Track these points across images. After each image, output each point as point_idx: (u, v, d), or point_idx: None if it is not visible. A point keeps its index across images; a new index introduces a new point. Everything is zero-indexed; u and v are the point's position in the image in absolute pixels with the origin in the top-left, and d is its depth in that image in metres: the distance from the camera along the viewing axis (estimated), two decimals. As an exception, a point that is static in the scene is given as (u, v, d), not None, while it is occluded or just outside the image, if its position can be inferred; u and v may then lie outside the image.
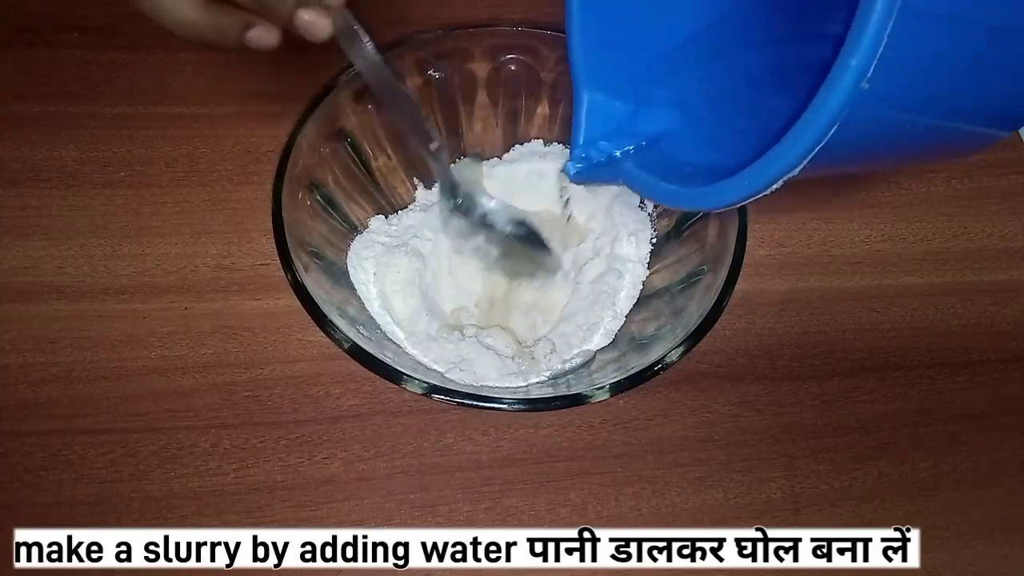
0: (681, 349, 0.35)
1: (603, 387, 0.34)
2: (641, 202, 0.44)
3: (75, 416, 0.40)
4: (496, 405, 0.34)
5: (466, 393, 0.34)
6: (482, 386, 0.38)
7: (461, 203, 0.42)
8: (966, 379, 0.45)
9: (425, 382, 0.34)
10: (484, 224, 0.42)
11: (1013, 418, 0.44)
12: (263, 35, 0.32)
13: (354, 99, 0.41)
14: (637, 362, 0.36)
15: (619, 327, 0.41)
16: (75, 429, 0.40)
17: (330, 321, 0.35)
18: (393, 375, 0.34)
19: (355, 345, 0.34)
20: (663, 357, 0.35)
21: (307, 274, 0.36)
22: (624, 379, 0.34)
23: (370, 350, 0.34)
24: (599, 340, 0.41)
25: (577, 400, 0.34)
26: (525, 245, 0.43)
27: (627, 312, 0.42)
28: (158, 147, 0.48)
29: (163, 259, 0.45)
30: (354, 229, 0.43)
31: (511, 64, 0.44)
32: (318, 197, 0.40)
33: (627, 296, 0.42)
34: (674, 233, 0.43)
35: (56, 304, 0.43)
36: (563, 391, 0.36)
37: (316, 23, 0.31)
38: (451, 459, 0.41)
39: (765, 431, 0.42)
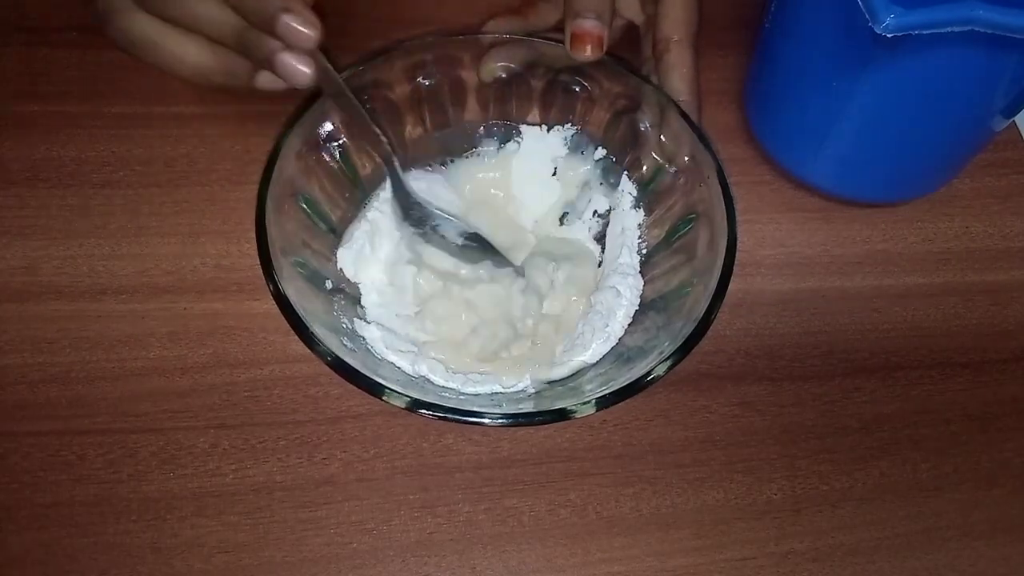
0: (668, 363, 0.34)
1: (589, 402, 0.34)
2: (637, 205, 0.44)
3: (74, 416, 0.40)
4: (478, 420, 0.33)
5: (448, 407, 0.34)
6: (463, 397, 0.38)
7: (413, 213, 0.42)
8: (967, 379, 0.44)
9: (407, 396, 0.33)
10: (435, 233, 0.42)
11: (1014, 419, 0.44)
12: (274, 81, 0.33)
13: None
14: (624, 375, 0.36)
15: (611, 347, 0.40)
16: (73, 429, 0.40)
17: (312, 334, 0.34)
18: (375, 388, 0.33)
19: (337, 358, 0.34)
20: (650, 371, 0.34)
21: (291, 284, 0.35)
22: (610, 394, 0.34)
23: (352, 363, 0.34)
24: (588, 357, 0.40)
25: (561, 415, 0.34)
26: (481, 252, 0.43)
27: (621, 334, 0.41)
28: (157, 147, 0.48)
29: (162, 259, 0.45)
30: (341, 238, 0.42)
31: (501, 71, 0.44)
32: (304, 205, 0.40)
33: (624, 315, 0.41)
34: (664, 244, 0.42)
35: (55, 304, 0.43)
36: (547, 405, 0.36)
37: (298, 68, 0.31)
38: (451, 459, 0.41)
39: (766, 432, 0.42)
